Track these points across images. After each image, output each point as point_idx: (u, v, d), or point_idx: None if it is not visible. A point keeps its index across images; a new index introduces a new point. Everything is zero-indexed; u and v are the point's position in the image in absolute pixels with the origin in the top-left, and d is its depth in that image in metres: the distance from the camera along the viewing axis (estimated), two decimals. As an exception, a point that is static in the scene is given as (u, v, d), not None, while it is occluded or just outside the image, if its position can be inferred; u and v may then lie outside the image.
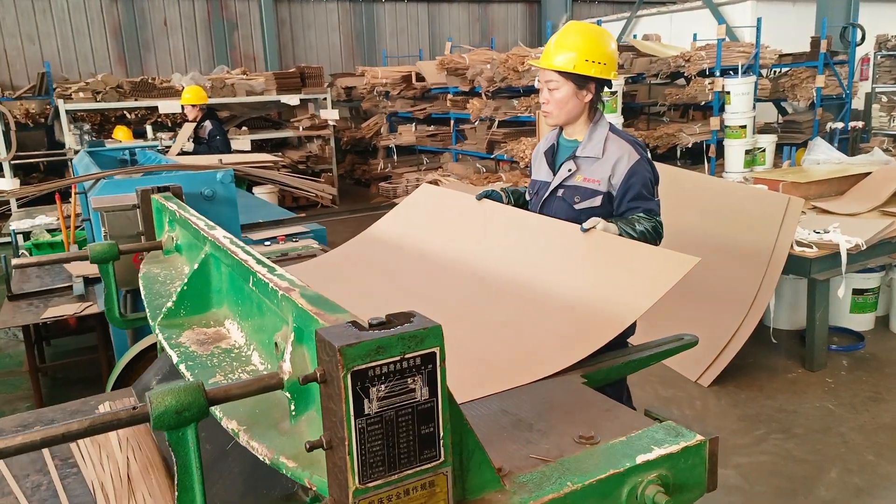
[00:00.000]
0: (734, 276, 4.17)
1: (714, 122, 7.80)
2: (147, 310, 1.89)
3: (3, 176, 7.79)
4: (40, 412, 2.49)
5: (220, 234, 1.80)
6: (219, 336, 1.68)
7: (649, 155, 2.35)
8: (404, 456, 0.99)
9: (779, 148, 7.96)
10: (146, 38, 11.46)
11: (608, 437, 1.33)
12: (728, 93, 7.60)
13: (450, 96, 9.12)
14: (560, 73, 2.28)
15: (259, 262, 1.47)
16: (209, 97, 8.61)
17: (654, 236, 2.15)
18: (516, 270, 1.99)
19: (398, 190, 8.62)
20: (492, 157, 8.40)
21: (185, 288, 1.79)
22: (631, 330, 2.36)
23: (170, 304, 1.77)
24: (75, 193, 4.79)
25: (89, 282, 3.85)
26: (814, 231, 4.20)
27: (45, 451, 2.17)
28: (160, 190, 2.62)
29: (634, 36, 11.17)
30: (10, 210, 7.24)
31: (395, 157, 10.33)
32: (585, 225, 1.99)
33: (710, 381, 3.96)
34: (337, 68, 12.76)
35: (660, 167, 5.17)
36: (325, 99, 9.86)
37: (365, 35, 13.26)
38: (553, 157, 2.46)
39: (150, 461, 1.95)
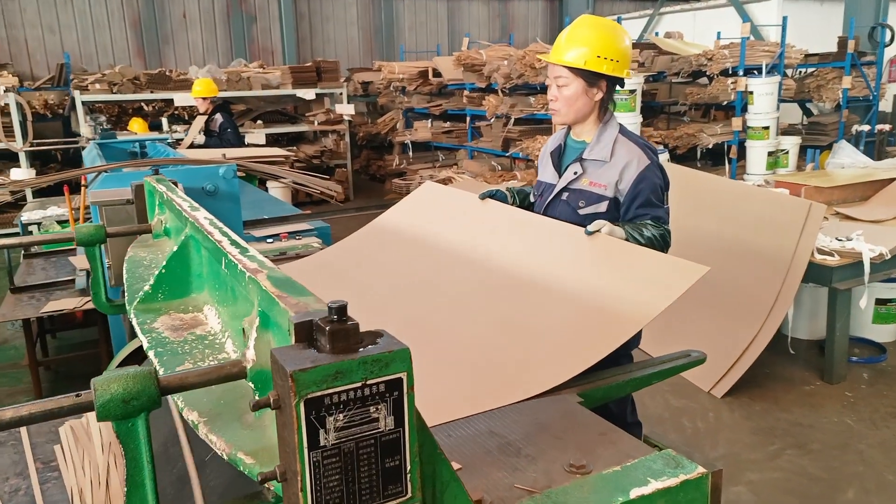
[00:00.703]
0: (751, 284, 4.03)
1: (736, 123, 7.62)
2: (126, 294, 1.82)
3: (19, 166, 7.82)
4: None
5: (201, 215, 1.71)
6: (195, 322, 1.59)
7: (660, 159, 2.23)
8: (366, 492, 0.89)
9: (802, 150, 7.76)
10: (165, 31, 11.47)
11: (601, 466, 1.23)
12: (751, 93, 7.42)
13: (466, 93, 9.01)
14: (570, 69, 2.17)
15: (233, 243, 1.38)
16: (225, 90, 8.60)
17: (661, 244, 2.04)
18: (515, 274, 1.90)
19: (411, 186, 8.53)
20: (507, 154, 8.29)
21: (164, 271, 1.70)
22: (635, 340, 2.26)
23: (146, 288, 1.69)
24: (84, 185, 4.76)
25: (88, 273, 3.81)
26: (836, 238, 4.05)
27: (28, 454, 2.12)
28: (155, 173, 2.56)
29: (656, 33, 10.97)
30: (25, 200, 7.27)
31: (411, 153, 10.25)
32: (590, 227, 1.88)
33: (723, 392, 3.83)
34: (355, 63, 12.69)
35: (675, 169, 5.07)
36: (340, 94, 9.80)
37: (384, 30, 13.18)
38: (559, 158, 2.35)
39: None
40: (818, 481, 3.10)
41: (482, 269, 1.97)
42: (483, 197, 2.28)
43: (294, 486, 0.87)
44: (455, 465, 1.25)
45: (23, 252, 4.48)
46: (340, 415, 0.86)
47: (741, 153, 7.73)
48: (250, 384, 1.07)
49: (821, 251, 3.92)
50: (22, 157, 7.92)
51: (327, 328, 0.86)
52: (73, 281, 3.85)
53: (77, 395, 0.91)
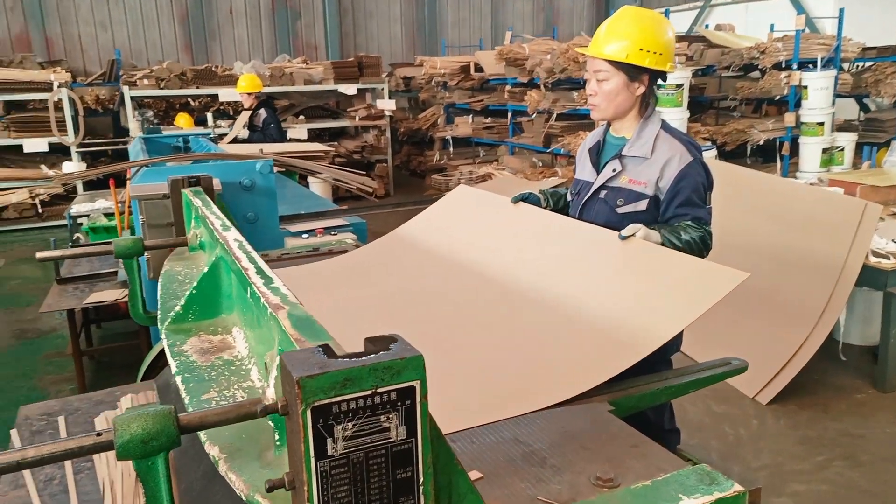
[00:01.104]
0: (801, 287, 3.88)
1: (789, 119, 7.36)
2: (159, 311, 1.83)
3: (70, 160, 8.06)
4: (66, 400, 2.49)
5: (231, 236, 1.71)
6: (224, 345, 1.59)
7: (706, 156, 2.13)
8: (376, 503, 0.86)
9: (858, 147, 7.45)
10: (212, 27, 11.67)
11: (631, 480, 1.17)
12: (805, 87, 7.15)
13: (508, 88, 8.92)
14: (610, 62, 2.09)
15: (259, 272, 1.36)
16: (268, 85, 8.69)
17: (700, 247, 1.95)
18: (545, 279, 1.84)
19: (450, 182, 8.48)
20: (548, 151, 8.17)
21: (195, 292, 1.71)
22: (675, 345, 2.18)
23: (178, 308, 1.70)
24: (128, 179, 4.86)
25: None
26: (892, 240, 3.85)
27: (64, 443, 2.16)
28: (190, 180, 2.57)
29: (706, 26, 10.68)
30: (76, 193, 7.48)
31: (451, 148, 10.20)
32: (624, 232, 1.81)
33: (769, 399, 3.69)
34: (397, 58, 12.71)
35: (721, 166, 4.90)
36: (382, 89, 9.81)
37: (426, 25, 13.16)
38: (598, 156, 2.27)
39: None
40: (867, 495, 2.95)
41: (511, 275, 1.92)
42: (515, 200, 2.22)
43: (301, 495, 0.83)
44: (476, 475, 1.21)
45: (70, 244, 4.60)
46: (349, 423, 0.82)
47: (794, 150, 7.46)
48: (271, 422, 1.05)
49: (876, 254, 3.74)
50: (73, 152, 8.15)
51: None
52: (115, 273, 3.94)
53: (98, 435, 0.91)
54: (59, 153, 8.36)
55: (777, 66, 7.42)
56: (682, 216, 2.01)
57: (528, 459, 1.25)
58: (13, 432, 2.20)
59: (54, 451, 0.91)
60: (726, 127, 7.92)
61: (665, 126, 2.17)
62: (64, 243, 5.47)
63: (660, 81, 2.20)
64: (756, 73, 8.14)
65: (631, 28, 2.10)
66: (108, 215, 5.48)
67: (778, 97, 7.56)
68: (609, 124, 2.27)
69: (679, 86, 6.90)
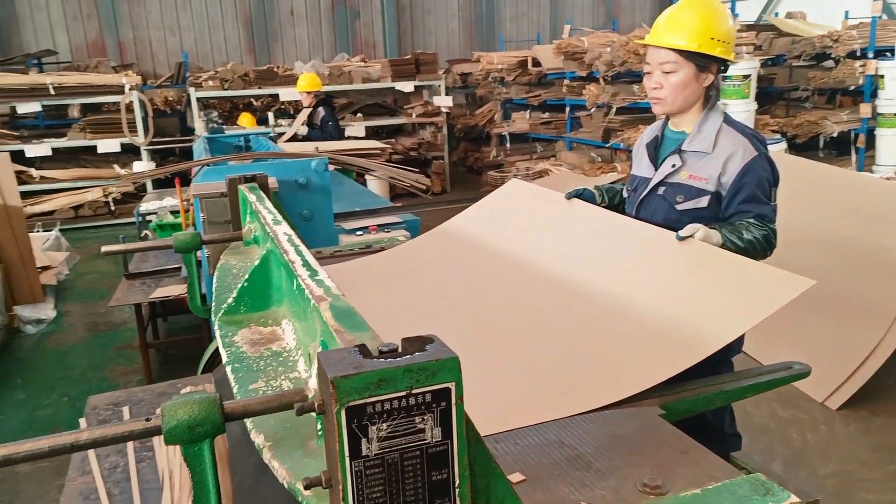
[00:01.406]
0: (875, 286, 3.68)
1: (864, 110, 7.00)
2: (213, 304, 1.88)
3: (140, 159, 8.39)
4: (131, 391, 2.60)
5: (281, 230, 1.74)
6: (273, 337, 1.63)
7: (775, 149, 2.04)
8: (411, 504, 0.85)
9: (940, 139, 7.02)
10: (274, 28, 11.93)
11: (679, 488, 1.13)
12: (882, 76, 6.79)
13: (566, 82, 8.79)
14: (680, 52, 2.00)
15: (305, 264, 1.39)
16: (327, 84, 8.83)
17: (763, 247, 1.87)
18: (599, 278, 1.79)
19: (506, 179, 8.42)
20: (607, 145, 8.02)
21: (246, 284, 1.75)
22: (737, 346, 2.10)
23: (230, 300, 1.74)
24: (192, 178, 5.02)
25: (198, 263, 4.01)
26: (978, 237, 3.61)
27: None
28: (247, 179, 2.63)
29: (776, 14, 10.26)
30: (145, 191, 7.79)
31: (508, 144, 10.13)
32: (682, 232, 1.74)
33: (839, 404, 3.52)
34: (455, 54, 12.70)
35: (790, 160, 4.70)
36: (438, 86, 9.83)
37: (484, 20, 13.10)
38: (656, 151, 2.20)
39: (218, 455, 1.94)
40: (948, 509, 2.78)
41: (564, 272, 1.88)
42: (569, 196, 2.17)
43: (337, 494, 0.84)
44: (518, 477, 1.19)
45: (138, 240, 4.79)
46: (384, 424, 0.82)
47: (870, 142, 7.09)
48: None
49: (958, 252, 3.51)
50: (143, 151, 8.49)
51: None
52: (179, 268, 4.07)
53: (147, 420, 0.94)
54: (130, 153, 8.71)
55: (851, 55, 7.07)
56: (744, 213, 1.93)
57: (572, 463, 1.22)
58: (81, 421, 2.31)
59: (105, 434, 0.94)
60: (797, 119, 7.60)
61: (728, 119, 2.09)
62: (133, 240, 5.69)
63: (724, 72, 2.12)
64: (829, 63, 7.77)
65: (697, 17, 2.02)
66: (175, 213, 5.69)
67: (852, 87, 7.21)
68: (667, 118, 2.19)
69: (746, 76, 6.65)
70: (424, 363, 0.82)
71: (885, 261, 3.69)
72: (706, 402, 1.47)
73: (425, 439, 0.84)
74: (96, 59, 10.29)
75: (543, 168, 8.21)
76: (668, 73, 2.02)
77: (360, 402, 0.80)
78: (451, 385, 0.84)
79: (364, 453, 0.82)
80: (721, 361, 2.05)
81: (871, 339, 3.59)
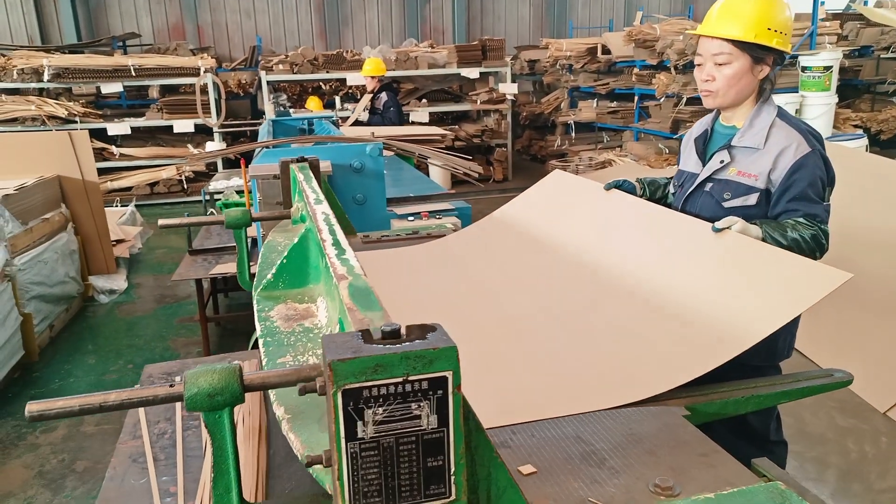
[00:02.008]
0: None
1: (956, 105, 6.54)
2: (255, 279, 1.94)
3: (213, 140, 8.69)
4: (184, 362, 2.72)
5: (320, 209, 1.78)
6: (307, 313, 1.67)
7: (824, 149, 1.94)
8: (405, 489, 0.87)
9: None
10: (345, 13, 12.09)
11: (692, 491, 1.11)
12: (978, 69, 6.32)
13: (636, 70, 8.57)
14: (734, 43, 1.93)
15: (335, 243, 1.42)
16: (393, 70, 8.91)
17: (812, 247, 1.78)
18: (632, 271, 1.76)
19: (568, 169, 8.31)
20: (675, 136, 7.79)
21: (285, 261, 1.80)
22: (785, 351, 2.02)
23: (269, 277, 1.79)
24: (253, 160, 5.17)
25: (254, 242, 4.14)
26: None
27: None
28: (299, 161, 2.70)
29: (865, 2, 9.68)
30: (216, 171, 8.08)
31: (573, 133, 9.98)
32: (718, 224, 1.69)
33: (903, 416, 3.35)
34: (524, 40, 12.56)
35: (868, 158, 4.44)
36: (504, 72, 9.76)
37: (555, 6, 12.90)
38: (705, 146, 2.13)
39: (253, 428, 2.02)
40: None
41: (597, 264, 1.86)
42: (609, 187, 2.13)
43: (334, 473, 0.86)
44: (529, 469, 1.20)
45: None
46: (380, 409, 0.84)
47: (961, 140, 6.63)
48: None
49: None
50: (215, 132, 8.79)
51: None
52: (239, 246, 4.22)
53: (171, 385, 0.99)
54: (203, 133, 9.05)
55: (946, 46, 6.61)
56: (793, 212, 1.85)
57: (587, 459, 1.22)
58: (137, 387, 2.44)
59: (131, 397, 1.00)
60: (882, 114, 7.20)
61: (781, 114, 2.00)
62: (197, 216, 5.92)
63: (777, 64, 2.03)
64: (921, 54, 7.30)
65: (753, 6, 1.93)
66: (240, 192, 5.89)
67: (946, 80, 6.74)
68: (718, 112, 2.12)
69: (828, 68, 6.32)
70: (422, 351, 0.83)
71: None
72: (736, 406, 1.43)
73: (421, 426, 0.86)
74: (176, 41, 10.69)
75: (607, 158, 8.05)
76: (720, 64, 1.95)
77: (357, 385, 0.82)
78: (449, 374, 0.85)
79: (360, 436, 0.84)
80: (767, 366, 1.99)
81: (945, 349, 3.39)
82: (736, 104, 2.02)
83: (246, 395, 1.01)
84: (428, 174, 7.06)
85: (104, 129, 8.57)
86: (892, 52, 7.40)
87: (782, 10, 1.96)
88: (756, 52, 1.92)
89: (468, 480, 0.93)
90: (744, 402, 1.44)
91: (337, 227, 1.55)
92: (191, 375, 0.97)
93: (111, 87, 8.64)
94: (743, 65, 1.94)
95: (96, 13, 11.11)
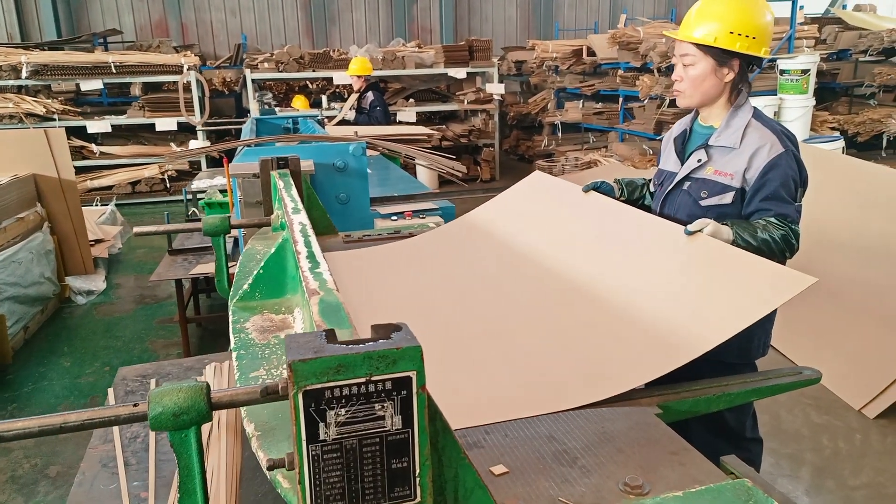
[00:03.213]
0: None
1: (934, 108, 6.63)
2: (232, 288, 1.92)
3: (196, 139, 8.63)
4: (160, 365, 2.68)
5: (297, 218, 1.77)
6: (283, 325, 1.64)
7: (798, 150, 1.96)
8: (370, 491, 0.86)
9: None
10: (332, 12, 12.05)
11: (661, 489, 1.11)
12: (956, 73, 6.41)
13: (620, 72, 8.61)
14: (698, 46, 1.98)
15: (310, 256, 1.40)
16: (380, 69, 8.88)
17: (782, 247, 1.80)
18: (603, 273, 1.77)
19: (554, 169, 8.33)
20: (658, 138, 7.83)
21: (262, 272, 1.78)
22: (761, 349, 2.05)
23: (246, 287, 1.77)
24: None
25: (236, 243, 4.11)
26: None
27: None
28: (279, 161, 2.68)
29: (844, 6, 9.79)
30: (199, 169, 8.02)
31: (560, 134, 10.01)
32: (690, 227, 1.70)
33: (877, 413, 3.37)
34: (511, 41, 12.59)
35: (843, 161, 4.49)
36: (491, 73, 9.76)
37: (542, 7, 12.93)
38: (683, 145, 2.16)
39: (230, 424, 1.99)
40: None
41: (569, 266, 1.86)
42: (587, 189, 2.14)
43: (296, 476, 0.85)
44: (501, 469, 1.19)
45: (185, 218, 4.94)
46: (342, 410, 0.83)
47: (939, 142, 6.72)
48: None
49: None
50: (199, 131, 8.73)
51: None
52: (221, 246, 4.18)
53: (135, 405, 0.96)
54: (187, 132, 8.97)
55: (925, 49, 6.70)
56: (765, 211, 1.87)
57: (558, 458, 1.22)
58: (110, 391, 2.40)
59: (92, 417, 0.97)
60: (860, 116, 7.27)
61: (757, 115, 2.03)
62: (180, 217, 5.88)
63: (754, 67, 2.05)
64: (900, 57, 7.39)
65: (724, 10, 1.97)
66: (222, 191, 5.85)
67: (924, 83, 6.84)
68: (697, 113, 2.15)
69: (805, 71, 6.39)
70: (385, 350, 0.83)
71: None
72: (708, 404, 1.43)
73: (385, 427, 0.85)
74: (159, 39, 10.60)
75: (593, 159, 8.08)
76: (687, 65, 2.01)
77: (318, 386, 0.81)
78: (413, 374, 0.84)
79: (322, 437, 0.83)
80: (742, 364, 2.00)
81: (920, 349, 3.43)
82: (704, 104, 2.07)
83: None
84: (415, 174, 7.05)
85: (84, 127, 8.48)
86: (869, 55, 7.48)
87: (756, 15, 1.98)
88: (718, 55, 1.96)
89: (434, 482, 0.92)
90: (715, 400, 1.45)
91: (313, 239, 1.53)
92: (155, 395, 0.94)
93: (91, 85, 8.53)
94: (706, 67, 1.99)
95: (77, 10, 10.99)
